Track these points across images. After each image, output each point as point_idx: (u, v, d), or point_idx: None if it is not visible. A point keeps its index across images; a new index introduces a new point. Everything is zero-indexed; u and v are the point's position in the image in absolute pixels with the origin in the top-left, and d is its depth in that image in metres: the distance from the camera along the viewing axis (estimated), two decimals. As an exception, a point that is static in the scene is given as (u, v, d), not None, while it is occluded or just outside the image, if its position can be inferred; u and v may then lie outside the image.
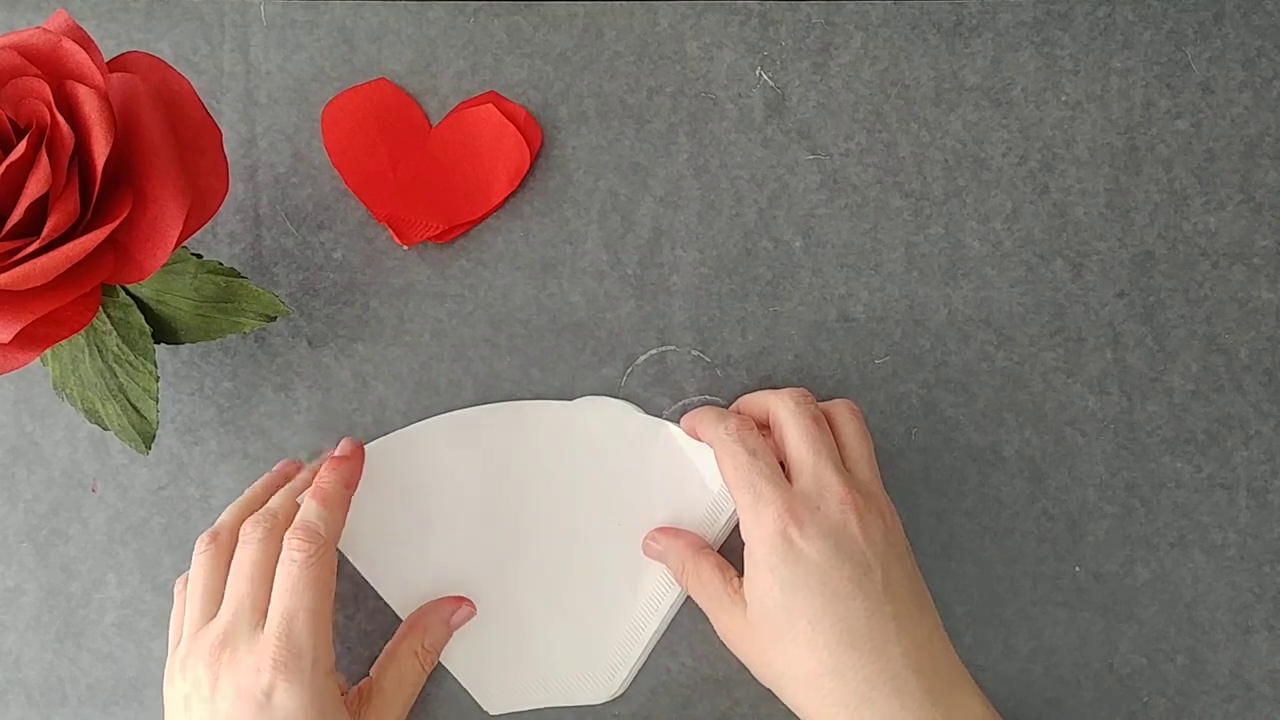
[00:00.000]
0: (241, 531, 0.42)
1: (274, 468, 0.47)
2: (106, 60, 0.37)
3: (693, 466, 0.46)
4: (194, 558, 0.42)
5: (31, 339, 0.36)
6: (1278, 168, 0.47)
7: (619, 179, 0.48)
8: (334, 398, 0.48)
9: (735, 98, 0.48)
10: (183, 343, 0.44)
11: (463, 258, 0.48)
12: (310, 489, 0.42)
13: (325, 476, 0.43)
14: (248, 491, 0.45)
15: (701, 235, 0.48)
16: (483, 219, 0.48)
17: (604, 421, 0.47)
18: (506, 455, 0.46)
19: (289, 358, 0.48)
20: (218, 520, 0.44)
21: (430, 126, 0.48)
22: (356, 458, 0.45)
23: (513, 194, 0.48)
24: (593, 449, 0.46)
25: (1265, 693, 0.46)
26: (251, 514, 0.42)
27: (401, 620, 0.46)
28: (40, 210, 0.35)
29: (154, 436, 0.44)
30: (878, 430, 0.47)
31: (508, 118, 0.47)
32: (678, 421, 0.46)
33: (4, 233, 0.34)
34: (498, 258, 0.48)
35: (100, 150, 0.35)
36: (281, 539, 0.41)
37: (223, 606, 0.41)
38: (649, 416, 0.47)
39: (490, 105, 0.48)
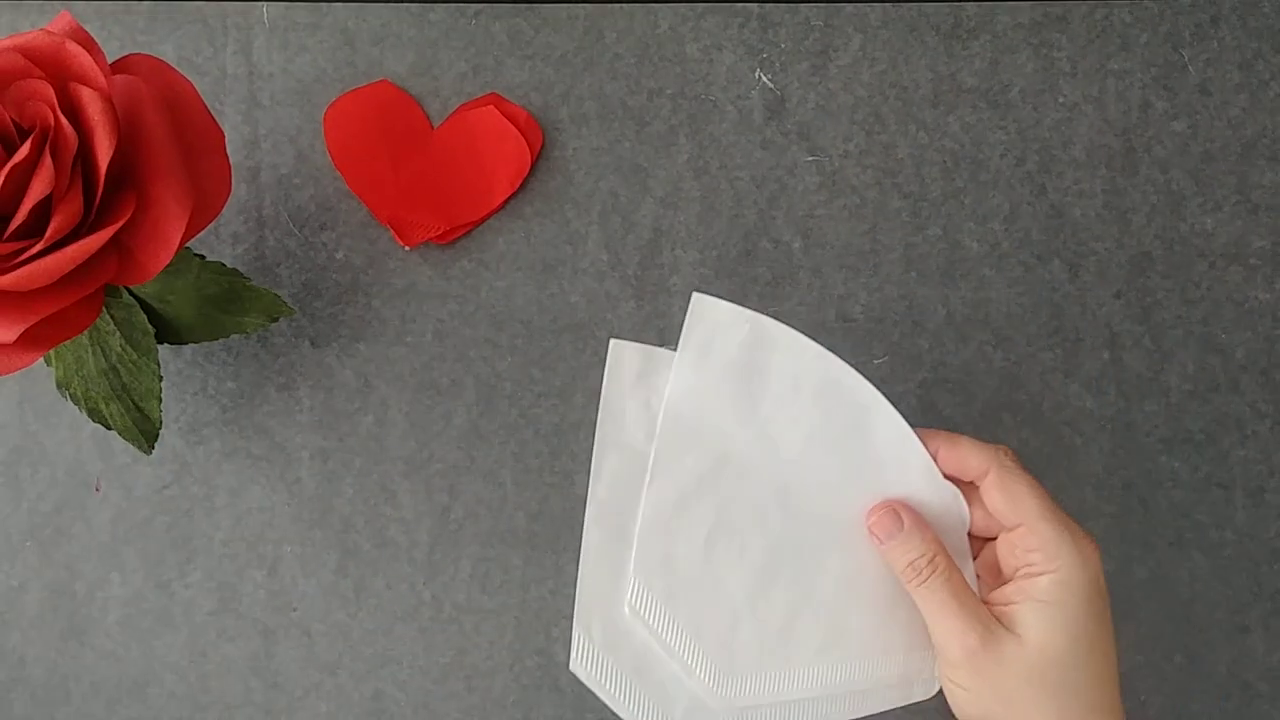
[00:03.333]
0: None
1: None
2: (110, 62, 0.37)
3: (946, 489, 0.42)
4: None
5: (35, 339, 0.36)
6: (1274, 169, 0.48)
7: (619, 180, 0.48)
8: (336, 397, 0.48)
9: (735, 99, 0.48)
10: (186, 343, 0.44)
11: (464, 258, 0.48)
12: None
13: None
14: None
15: (701, 236, 0.48)
16: (484, 220, 0.48)
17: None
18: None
19: (292, 358, 0.48)
20: None
21: (432, 128, 0.48)
22: None
23: (514, 195, 0.48)
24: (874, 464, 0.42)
25: (1262, 691, 0.46)
26: None
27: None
28: (44, 212, 0.35)
29: (157, 436, 0.44)
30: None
31: (509, 119, 0.48)
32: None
33: (8, 234, 0.35)
34: (499, 258, 0.48)
35: (104, 152, 0.35)
36: None
37: None
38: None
39: (491, 107, 0.48)
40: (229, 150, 0.39)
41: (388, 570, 0.48)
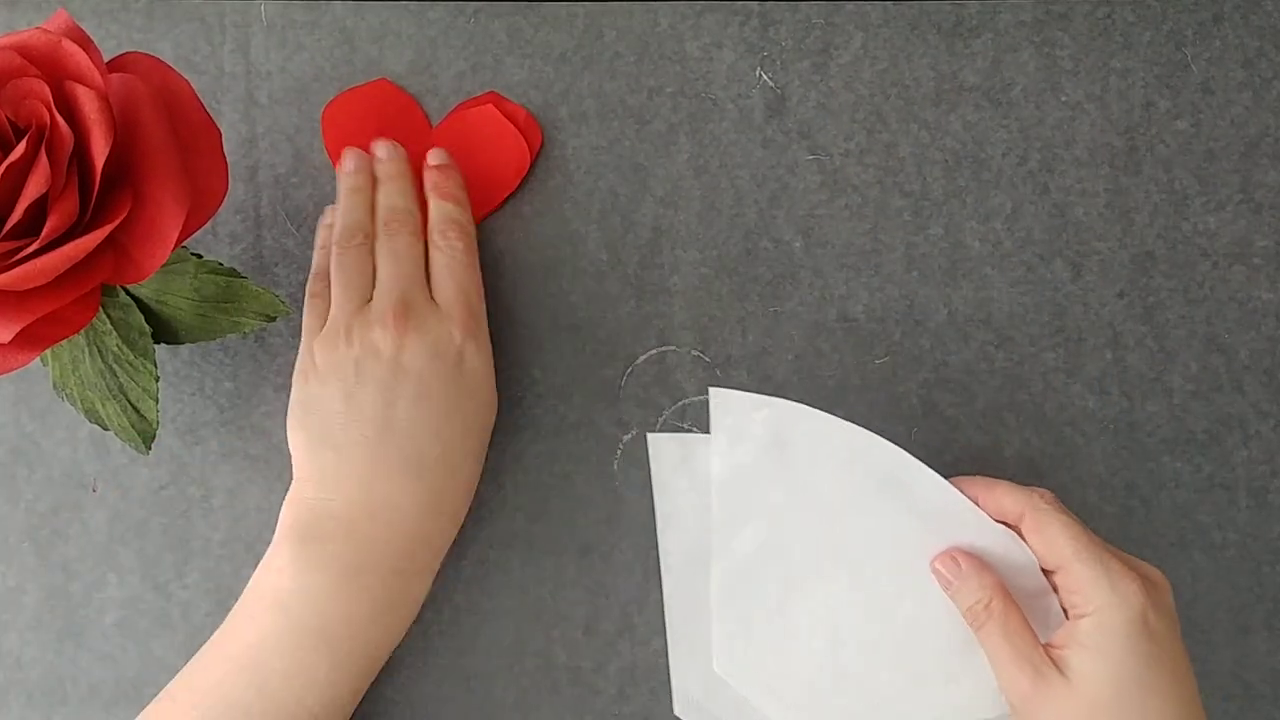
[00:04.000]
0: (388, 227, 0.44)
1: (347, 168, 0.46)
2: (107, 61, 0.37)
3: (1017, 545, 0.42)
4: (339, 255, 0.44)
5: (31, 339, 0.36)
6: (1277, 168, 0.47)
7: (619, 179, 0.48)
8: (334, 398, 0.48)
9: (735, 98, 0.48)
10: (182, 343, 0.44)
11: (463, 258, 0.48)
12: (437, 192, 0.45)
13: (446, 181, 0.45)
14: (346, 202, 0.45)
15: (701, 235, 0.48)
16: (483, 219, 0.48)
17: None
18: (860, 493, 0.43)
19: (289, 358, 0.48)
20: (340, 228, 0.44)
21: (431, 127, 0.48)
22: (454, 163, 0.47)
23: (513, 194, 0.48)
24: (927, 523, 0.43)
25: (1264, 692, 0.46)
26: (359, 220, 0.45)
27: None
28: (40, 211, 0.35)
29: (154, 436, 0.44)
30: (878, 431, 0.47)
31: (508, 118, 0.47)
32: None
33: (4, 233, 0.34)
34: (498, 258, 0.48)
35: (100, 150, 0.35)
36: (423, 233, 0.45)
37: (387, 285, 0.43)
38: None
39: (490, 105, 0.48)
40: (226, 149, 0.39)
41: (386, 571, 0.48)
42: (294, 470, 0.43)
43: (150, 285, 0.43)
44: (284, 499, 0.46)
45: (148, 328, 0.42)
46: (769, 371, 0.47)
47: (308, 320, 0.45)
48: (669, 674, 0.46)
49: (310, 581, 0.41)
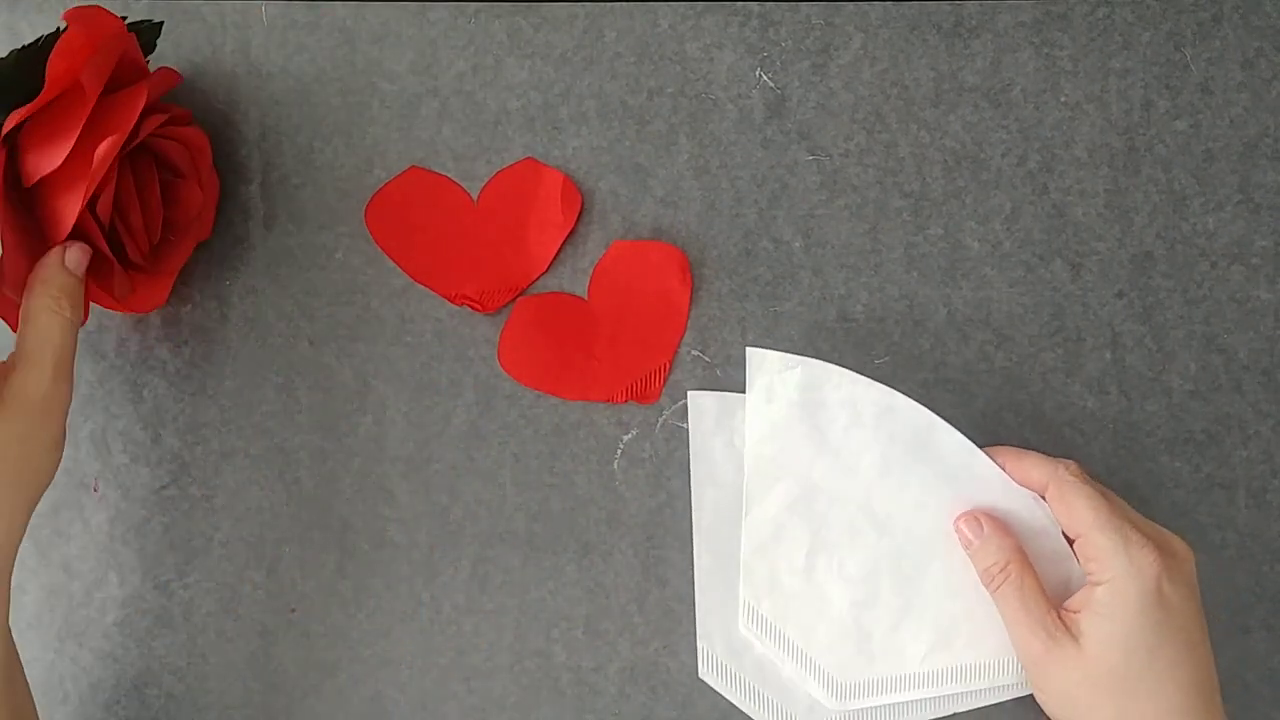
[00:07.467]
0: None
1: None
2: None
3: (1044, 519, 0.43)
4: None
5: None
6: (1276, 168, 0.47)
7: (619, 179, 0.48)
8: (335, 397, 0.48)
9: (735, 98, 0.48)
10: None
11: (463, 258, 0.48)
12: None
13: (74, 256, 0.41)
14: None
15: (702, 235, 0.48)
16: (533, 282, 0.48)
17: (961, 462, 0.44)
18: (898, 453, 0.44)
19: (290, 357, 0.48)
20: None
21: (473, 201, 0.48)
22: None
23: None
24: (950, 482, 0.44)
25: (1264, 693, 0.46)
26: None
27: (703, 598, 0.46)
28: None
29: None
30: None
31: (544, 181, 0.47)
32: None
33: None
34: (498, 258, 0.48)
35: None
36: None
37: None
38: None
39: (527, 169, 0.48)
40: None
41: (387, 571, 0.48)
42: None
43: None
44: (285, 498, 0.47)
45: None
46: (769, 371, 0.47)
47: None
48: (695, 635, 0.46)
49: None
